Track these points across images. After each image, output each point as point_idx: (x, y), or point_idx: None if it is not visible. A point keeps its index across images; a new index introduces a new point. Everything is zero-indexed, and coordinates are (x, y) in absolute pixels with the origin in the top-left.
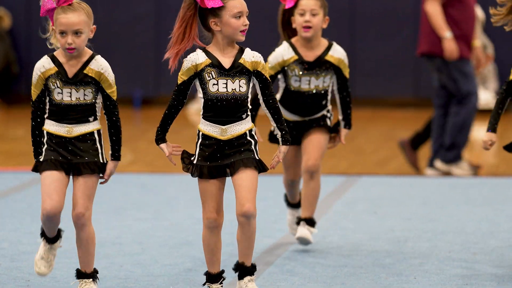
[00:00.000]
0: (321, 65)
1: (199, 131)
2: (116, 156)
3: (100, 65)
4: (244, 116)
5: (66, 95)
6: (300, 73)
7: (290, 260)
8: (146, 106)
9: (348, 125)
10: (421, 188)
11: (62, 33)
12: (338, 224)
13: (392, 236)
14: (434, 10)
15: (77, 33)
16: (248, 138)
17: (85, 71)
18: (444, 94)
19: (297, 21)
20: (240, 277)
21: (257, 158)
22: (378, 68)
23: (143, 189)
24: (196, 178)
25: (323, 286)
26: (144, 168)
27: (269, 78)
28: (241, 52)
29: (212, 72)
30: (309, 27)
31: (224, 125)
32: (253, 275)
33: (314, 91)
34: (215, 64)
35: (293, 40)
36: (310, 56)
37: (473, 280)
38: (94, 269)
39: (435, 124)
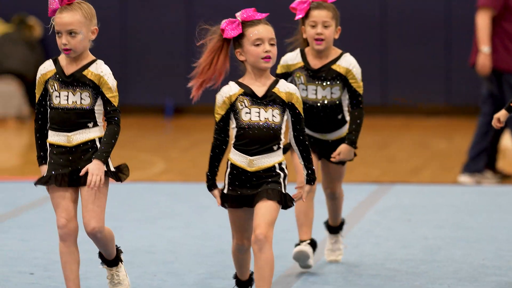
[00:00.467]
0: (326, 73)
1: (228, 160)
2: (99, 155)
3: (100, 69)
4: (275, 148)
5: (63, 98)
6: (306, 80)
7: (323, 269)
8: (178, 115)
9: (352, 143)
10: (453, 196)
11: (58, 33)
12: (371, 232)
13: (425, 244)
14: (482, 22)
15: (71, 33)
16: (277, 170)
17: (83, 72)
18: (491, 102)
19: (309, 32)
20: None
21: (283, 191)
22: (410, 76)
23: (175, 198)
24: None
25: None
26: (175, 177)
27: (302, 114)
28: (275, 82)
29: (245, 101)
30: (322, 40)
31: (252, 156)
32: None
33: (325, 102)
34: (248, 93)
35: (307, 48)
36: (317, 64)
37: (507, 287)
38: (117, 251)
39: (478, 131)
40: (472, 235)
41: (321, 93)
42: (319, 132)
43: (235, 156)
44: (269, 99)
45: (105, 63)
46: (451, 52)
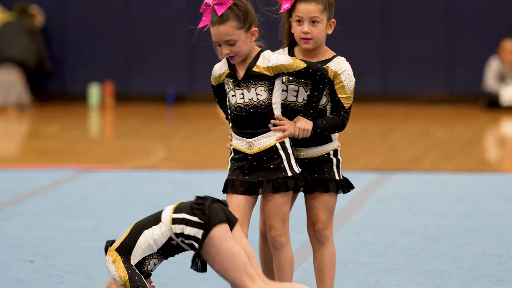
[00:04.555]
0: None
1: (231, 146)
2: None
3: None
4: (271, 126)
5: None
6: (287, 79)
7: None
8: (179, 104)
9: (308, 116)
10: (454, 184)
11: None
12: (372, 221)
13: (426, 233)
14: None
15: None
16: (280, 152)
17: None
18: None
19: (295, 29)
20: None
21: (289, 174)
22: (411, 65)
23: (177, 186)
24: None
25: (357, 283)
26: (177, 165)
27: (304, 68)
28: (256, 58)
29: (230, 83)
30: (309, 39)
31: (250, 138)
32: None
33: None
34: (231, 74)
35: (297, 47)
36: None
37: (507, 276)
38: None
39: None
40: (473, 224)
41: (303, 96)
42: (295, 145)
43: (236, 141)
44: (250, 80)
45: (106, 52)
46: (452, 41)
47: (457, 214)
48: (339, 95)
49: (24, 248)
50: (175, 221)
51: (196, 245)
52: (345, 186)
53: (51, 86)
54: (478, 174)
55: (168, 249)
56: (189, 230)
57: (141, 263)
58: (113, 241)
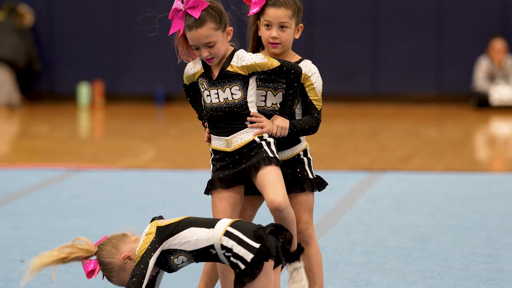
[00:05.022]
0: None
1: (210, 149)
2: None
3: None
4: (248, 123)
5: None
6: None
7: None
8: (169, 103)
9: (284, 115)
10: (444, 184)
11: None
12: (361, 220)
13: (416, 232)
14: None
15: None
16: (259, 142)
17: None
18: None
19: (263, 34)
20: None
21: (270, 155)
22: (401, 65)
23: (167, 186)
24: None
25: (347, 283)
26: (167, 164)
27: (279, 66)
28: (230, 58)
29: (204, 83)
30: (277, 43)
31: (228, 136)
32: (299, 260)
33: (275, 110)
34: (206, 74)
35: (263, 50)
36: None
37: (497, 275)
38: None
39: None
40: (463, 223)
41: (271, 100)
42: None
43: (214, 141)
44: (225, 79)
45: (96, 51)
46: (442, 41)
47: (446, 213)
48: (310, 97)
49: (14, 247)
50: (227, 234)
51: (242, 266)
52: (320, 183)
53: (40, 85)
54: (468, 174)
55: (203, 255)
56: (239, 250)
57: (170, 253)
58: (160, 217)
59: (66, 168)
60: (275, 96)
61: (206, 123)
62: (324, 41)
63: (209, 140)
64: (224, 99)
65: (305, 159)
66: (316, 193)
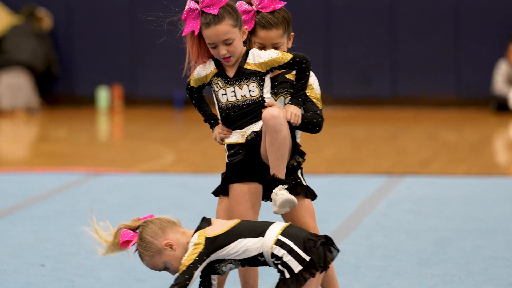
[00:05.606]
0: (279, 83)
1: (225, 146)
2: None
3: None
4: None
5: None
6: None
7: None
8: (188, 107)
9: (298, 104)
10: (464, 187)
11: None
12: (381, 224)
13: (436, 236)
14: None
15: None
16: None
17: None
18: None
19: None
20: (272, 188)
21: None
22: (420, 68)
23: (186, 190)
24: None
25: (368, 287)
26: (186, 168)
27: (293, 59)
28: (246, 56)
29: (219, 82)
30: None
31: (243, 128)
32: (285, 185)
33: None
34: (221, 73)
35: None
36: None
37: None
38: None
39: None
40: (483, 227)
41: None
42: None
43: (228, 138)
44: (242, 76)
45: (114, 55)
46: (461, 44)
47: (466, 217)
48: (311, 97)
49: (34, 251)
50: (278, 242)
51: (288, 275)
52: (312, 193)
53: (59, 89)
54: (487, 178)
55: (251, 262)
56: (289, 259)
57: (218, 262)
58: (209, 220)
59: (85, 172)
60: (276, 101)
61: (214, 124)
62: (343, 45)
63: (221, 140)
64: (241, 96)
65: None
66: (337, 197)
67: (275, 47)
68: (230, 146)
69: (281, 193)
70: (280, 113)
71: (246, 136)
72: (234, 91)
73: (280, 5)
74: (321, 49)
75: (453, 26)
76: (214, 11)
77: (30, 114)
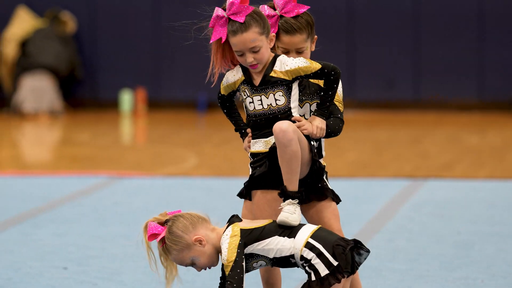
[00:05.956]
0: (305, 87)
1: (249, 154)
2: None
3: None
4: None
5: None
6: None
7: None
8: (211, 110)
9: (322, 115)
10: (486, 191)
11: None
12: (404, 227)
13: (459, 239)
14: None
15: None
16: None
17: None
18: None
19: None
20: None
21: (312, 143)
22: (443, 71)
23: (209, 193)
24: None
25: None
26: (209, 171)
27: (320, 69)
28: (273, 63)
29: (246, 90)
30: None
31: (267, 137)
32: (295, 200)
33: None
34: (247, 81)
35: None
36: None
37: None
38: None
39: None
40: (505, 230)
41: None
42: None
43: (253, 146)
44: (267, 85)
45: (138, 58)
46: (484, 47)
47: (489, 221)
48: (334, 100)
49: (57, 254)
50: (308, 245)
51: (314, 277)
52: (337, 196)
53: (83, 92)
54: (510, 181)
55: (282, 262)
56: (317, 262)
57: (252, 257)
58: (239, 217)
59: (109, 176)
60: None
61: (244, 134)
62: (366, 48)
63: (249, 147)
64: (268, 105)
65: (323, 172)
66: (359, 200)
67: (299, 51)
68: (254, 154)
69: (286, 209)
70: (289, 127)
71: (269, 145)
72: (261, 100)
73: (304, 9)
74: (344, 53)
75: (476, 30)
76: (241, 18)
77: (54, 118)
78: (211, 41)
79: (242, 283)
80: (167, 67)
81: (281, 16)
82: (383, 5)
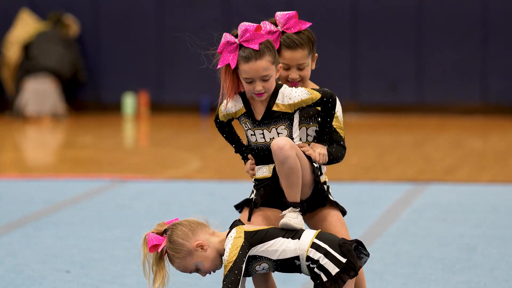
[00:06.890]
0: (301, 110)
1: (253, 179)
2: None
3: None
4: None
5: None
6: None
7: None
8: (214, 113)
9: (322, 141)
10: (489, 195)
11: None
12: (407, 231)
13: (462, 243)
14: None
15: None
16: None
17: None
18: None
19: (282, 74)
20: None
21: (314, 165)
22: (446, 75)
23: (212, 197)
24: None
25: None
26: (212, 175)
27: (320, 99)
28: (275, 95)
29: (247, 123)
30: (298, 81)
31: (271, 163)
32: (297, 208)
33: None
34: (248, 114)
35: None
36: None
37: None
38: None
39: None
40: (508, 234)
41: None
42: None
43: (258, 172)
44: (270, 120)
45: (141, 62)
46: (488, 51)
47: (492, 224)
48: (335, 126)
49: (60, 257)
50: (314, 245)
51: (324, 278)
52: (342, 208)
53: (85, 95)
54: None
55: (285, 265)
56: (325, 262)
57: (255, 259)
58: (242, 222)
59: (111, 179)
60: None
61: (245, 157)
62: (369, 52)
63: (253, 172)
64: (270, 139)
65: (325, 186)
66: (362, 204)
67: (300, 68)
68: (258, 180)
69: (288, 215)
70: (286, 144)
71: (271, 169)
72: (263, 134)
73: (306, 25)
74: (347, 56)
75: (480, 34)
76: (255, 46)
77: (56, 121)
78: (218, 67)
79: (238, 285)
80: (170, 70)
81: (283, 32)
82: (386, 9)
